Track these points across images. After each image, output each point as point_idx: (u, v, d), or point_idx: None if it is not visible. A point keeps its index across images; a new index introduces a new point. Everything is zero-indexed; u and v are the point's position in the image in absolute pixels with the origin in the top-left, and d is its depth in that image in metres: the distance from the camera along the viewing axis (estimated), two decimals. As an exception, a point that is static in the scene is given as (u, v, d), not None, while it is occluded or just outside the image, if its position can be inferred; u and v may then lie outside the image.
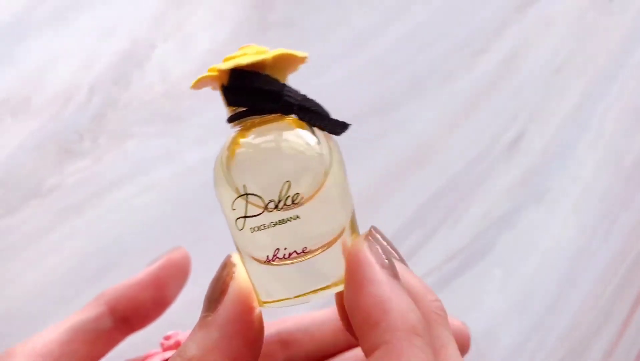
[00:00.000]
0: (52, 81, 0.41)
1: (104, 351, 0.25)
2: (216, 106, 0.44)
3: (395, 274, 0.20)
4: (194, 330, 0.20)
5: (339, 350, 0.26)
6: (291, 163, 0.20)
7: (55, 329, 0.24)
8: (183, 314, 0.27)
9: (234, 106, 0.21)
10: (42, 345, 0.24)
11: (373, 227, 0.22)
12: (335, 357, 0.26)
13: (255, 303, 0.21)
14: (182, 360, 0.20)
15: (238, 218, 0.21)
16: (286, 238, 0.20)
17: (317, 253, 0.21)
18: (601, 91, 0.49)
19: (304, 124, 0.21)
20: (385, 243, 0.22)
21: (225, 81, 0.21)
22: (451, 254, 0.40)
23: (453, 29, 0.50)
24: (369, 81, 0.47)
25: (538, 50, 0.50)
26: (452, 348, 0.20)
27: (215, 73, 0.21)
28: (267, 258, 0.21)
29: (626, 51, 0.51)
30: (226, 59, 0.21)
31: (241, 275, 0.21)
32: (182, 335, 0.25)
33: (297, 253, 0.20)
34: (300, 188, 0.20)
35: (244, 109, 0.21)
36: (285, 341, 0.26)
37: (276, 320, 0.27)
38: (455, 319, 0.27)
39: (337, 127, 0.21)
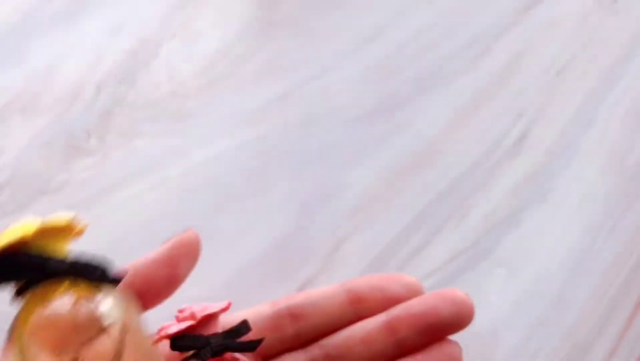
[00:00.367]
0: (60, 79, 0.41)
1: None
2: (223, 105, 0.44)
3: None
4: None
5: (347, 323, 0.27)
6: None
7: None
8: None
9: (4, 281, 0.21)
10: None
11: None
12: (344, 329, 0.26)
13: None
14: None
15: None
16: None
17: None
18: (606, 91, 0.49)
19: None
20: None
21: None
22: (455, 253, 0.40)
23: (458, 30, 0.50)
24: (374, 81, 0.47)
25: (543, 50, 0.50)
26: None
27: None
28: None
29: (631, 51, 0.52)
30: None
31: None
32: (196, 306, 0.25)
33: None
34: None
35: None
36: (295, 315, 0.26)
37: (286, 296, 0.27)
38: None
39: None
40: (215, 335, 0.25)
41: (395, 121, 0.45)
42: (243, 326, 0.25)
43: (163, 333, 0.25)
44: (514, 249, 0.41)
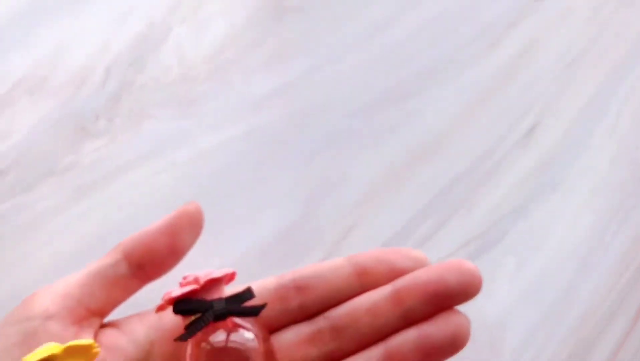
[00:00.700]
0: (70, 62, 0.41)
1: (121, 297, 0.25)
2: (232, 90, 0.44)
3: None
4: None
5: (353, 295, 0.26)
6: None
7: (76, 274, 0.25)
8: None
9: None
10: (64, 286, 0.25)
11: None
12: (349, 301, 0.26)
13: None
14: None
15: None
16: None
17: None
18: (617, 82, 0.49)
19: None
20: None
21: None
22: (464, 241, 0.40)
23: (468, 20, 0.50)
24: (383, 70, 0.47)
25: (554, 41, 0.50)
26: None
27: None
28: None
29: (643, 44, 0.51)
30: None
31: None
32: (199, 272, 0.25)
33: None
34: None
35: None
36: (300, 287, 0.26)
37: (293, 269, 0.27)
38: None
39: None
40: (219, 300, 0.25)
41: (405, 110, 0.45)
42: (247, 292, 0.25)
43: (166, 297, 0.25)
44: (523, 240, 0.41)
